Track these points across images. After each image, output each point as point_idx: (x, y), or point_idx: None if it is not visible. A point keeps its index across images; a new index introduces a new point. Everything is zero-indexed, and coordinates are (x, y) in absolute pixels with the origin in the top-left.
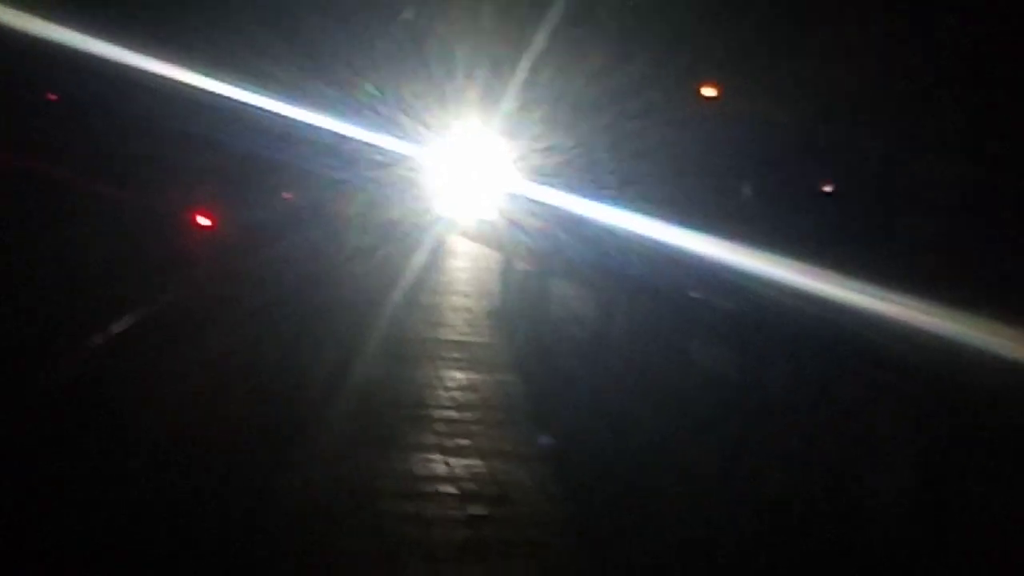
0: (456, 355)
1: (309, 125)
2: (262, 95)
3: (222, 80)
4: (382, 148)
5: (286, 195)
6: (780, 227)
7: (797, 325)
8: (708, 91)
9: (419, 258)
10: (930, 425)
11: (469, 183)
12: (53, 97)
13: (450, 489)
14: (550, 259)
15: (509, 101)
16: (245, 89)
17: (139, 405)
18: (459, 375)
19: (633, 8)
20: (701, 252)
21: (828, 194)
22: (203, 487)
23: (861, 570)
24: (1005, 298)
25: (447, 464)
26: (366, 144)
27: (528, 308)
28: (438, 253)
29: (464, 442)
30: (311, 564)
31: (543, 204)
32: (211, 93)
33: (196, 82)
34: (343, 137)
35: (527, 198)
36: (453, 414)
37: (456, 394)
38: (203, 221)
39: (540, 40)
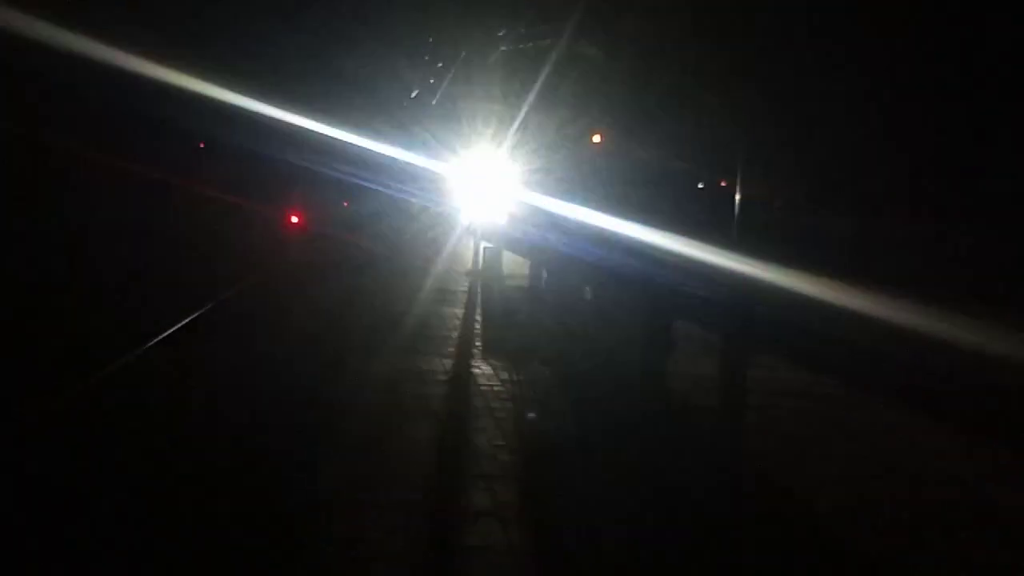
0: (447, 299)
1: (375, 153)
2: (340, 132)
3: (312, 123)
4: (427, 169)
5: (344, 203)
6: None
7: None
8: (596, 138)
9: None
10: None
11: (484, 190)
12: (202, 144)
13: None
14: (505, 238)
15: (509, 140)
16: (329, 128)
17: (287, 310)
18: (446, 310)
19: (573, 87)
20: (610, 228)
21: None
22: (334, 347)
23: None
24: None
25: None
26: (414, 166)
27: (489, 268)
28: (452, 240)
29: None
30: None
31: (527, 204)
32: (302, 133)
33: (293, 126)
34: (399, 161)
35: (518, 199)
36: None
37: (446, 320)
38: (294, 219)
39: (526, 104)
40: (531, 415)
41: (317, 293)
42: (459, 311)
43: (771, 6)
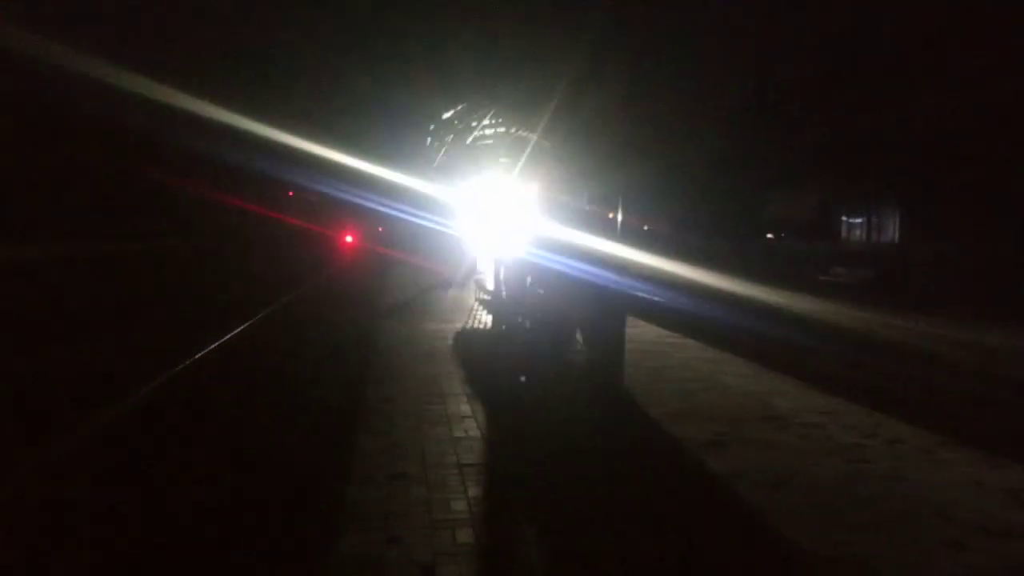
0: (440, 290)
1: (410, 189)
2: (377, 169)
3: (366, 166)
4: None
5: (380, 228)
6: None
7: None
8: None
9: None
10: None
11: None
12: (291, 193)
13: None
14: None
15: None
16: (369, 167)
17: (341, 298)
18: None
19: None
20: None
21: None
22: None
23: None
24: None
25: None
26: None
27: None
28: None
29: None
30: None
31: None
32: (352, 173)
33: (348, 168)
34: (419, 192)
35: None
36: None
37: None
38: (349, 239)
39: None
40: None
41: (363, 279)
42: (454, 292)
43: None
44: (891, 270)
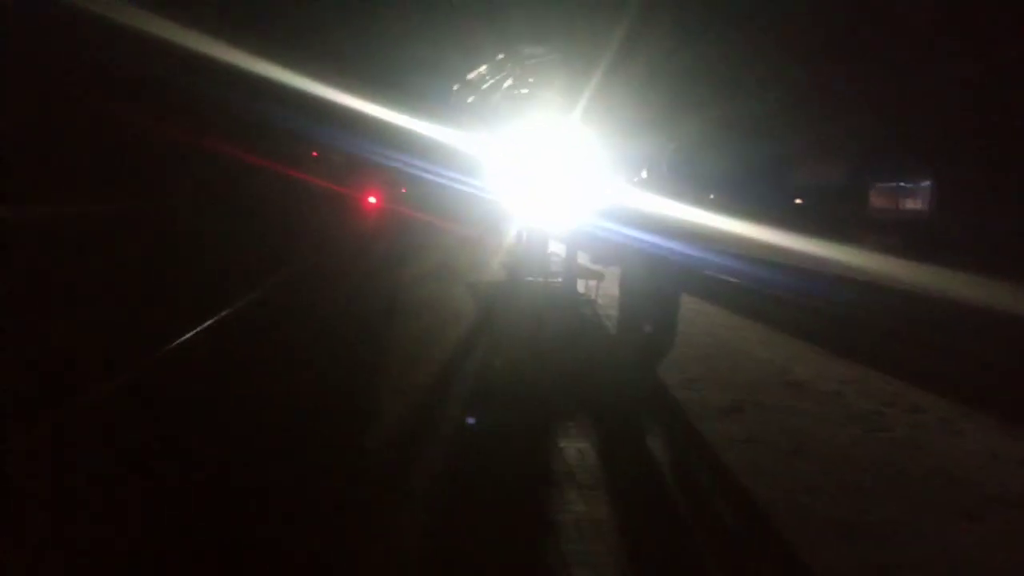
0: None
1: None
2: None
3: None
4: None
5: (403, 188)
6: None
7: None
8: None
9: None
10: None
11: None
12: (315, 153)
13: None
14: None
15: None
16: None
17: (373, 239)
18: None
19: None
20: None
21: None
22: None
23: None
24: None
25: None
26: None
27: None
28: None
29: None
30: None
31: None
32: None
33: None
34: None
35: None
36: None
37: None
38: (372, 200)
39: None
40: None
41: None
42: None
43: None
44: (919, 239)
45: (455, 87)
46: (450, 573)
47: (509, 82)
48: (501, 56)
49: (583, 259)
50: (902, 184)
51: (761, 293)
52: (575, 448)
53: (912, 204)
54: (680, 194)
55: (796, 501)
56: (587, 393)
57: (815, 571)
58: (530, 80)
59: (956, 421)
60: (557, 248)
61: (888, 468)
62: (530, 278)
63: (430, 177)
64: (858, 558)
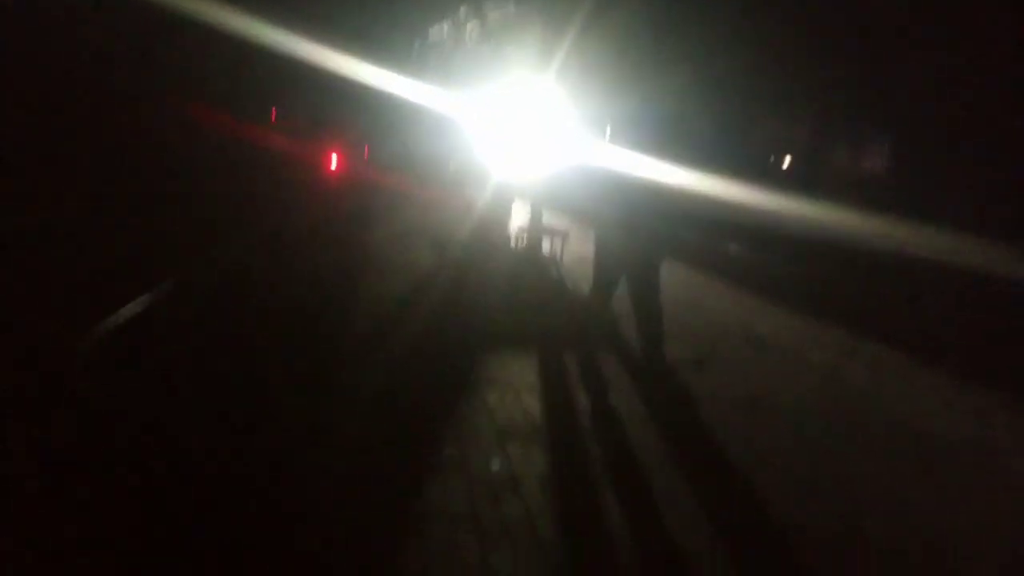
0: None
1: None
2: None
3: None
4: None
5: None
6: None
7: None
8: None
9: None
10: None
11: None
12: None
13: None
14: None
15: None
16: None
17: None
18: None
19: None
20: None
21: None
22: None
23: None
24: None
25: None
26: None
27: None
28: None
29: None
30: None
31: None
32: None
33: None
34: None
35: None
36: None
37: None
38: (332, 159)
39: None
40: None
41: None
42: None
43: None
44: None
45: (417, 43)
46: None
47: (472, 38)
48: (463, 9)
49: (547, 217)
50: (863, 141)
51: (724, 252)
52: (521, 407)
53: (871, 163)
54: (647, 150)
55: (755, 452)
56: (547, 348)
57: (776, 522)
58: (493, 37)
59: (913, 373)
60: (522, 206)
61: (848, 419)
62: (493, 238)
63: (395, 136)
64: (819, 508)
